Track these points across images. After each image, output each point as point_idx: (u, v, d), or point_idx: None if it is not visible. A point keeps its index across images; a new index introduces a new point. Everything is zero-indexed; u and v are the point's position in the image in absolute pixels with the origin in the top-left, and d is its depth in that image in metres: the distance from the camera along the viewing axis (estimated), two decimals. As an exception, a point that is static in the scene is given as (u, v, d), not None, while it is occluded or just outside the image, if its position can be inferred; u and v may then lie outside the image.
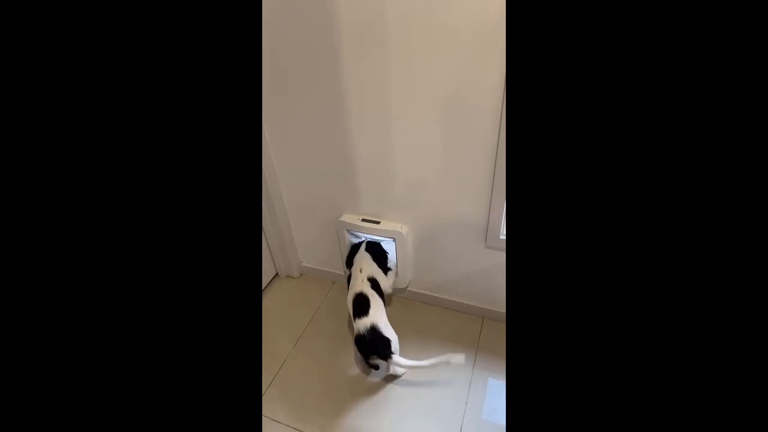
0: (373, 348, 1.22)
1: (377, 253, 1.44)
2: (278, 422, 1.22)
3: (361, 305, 1.28)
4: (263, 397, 1.30)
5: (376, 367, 1.32)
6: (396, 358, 1.22)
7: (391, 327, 1.27)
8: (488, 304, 1.47)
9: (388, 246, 1.46)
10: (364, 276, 1.34)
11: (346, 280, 1.44)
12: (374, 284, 1.35)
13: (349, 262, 1.44)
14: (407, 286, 1.56)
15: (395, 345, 1.23)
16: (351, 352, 1.42)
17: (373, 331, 1.22)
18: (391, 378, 1.32)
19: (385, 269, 1.45)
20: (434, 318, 1.52)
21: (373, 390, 1.30)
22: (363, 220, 1.42)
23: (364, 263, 1.38)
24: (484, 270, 1.38)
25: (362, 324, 1.23)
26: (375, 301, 1.29)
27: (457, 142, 1.13)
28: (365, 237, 1.47)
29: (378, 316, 1.26)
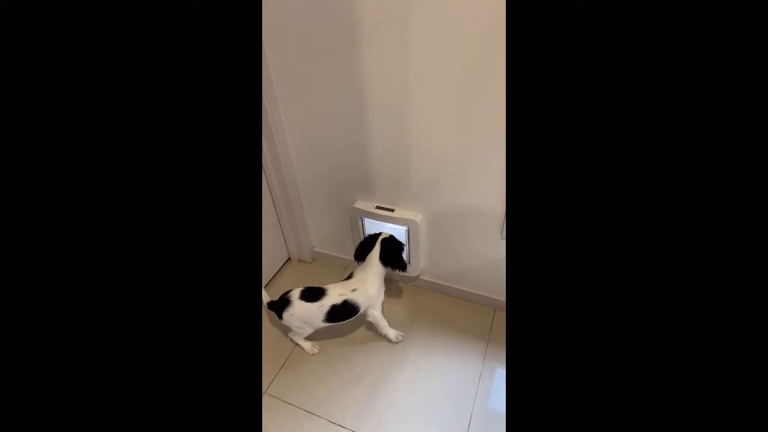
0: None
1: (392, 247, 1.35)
2: (288, 404, 1.24)
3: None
4: (274, 380, 1.32)
5: None
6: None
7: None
8: (501, 295, 1.46)
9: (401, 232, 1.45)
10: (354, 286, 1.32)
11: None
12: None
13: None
14: (419, 275, 1.56)
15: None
16: (361, 337, 1.43)
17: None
18: (404, 363, 1.33)
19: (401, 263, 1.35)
20: (445, 308, 1.52)
21: (384, 375, 1.31)
22: (377, 207, 1.41)
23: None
24: (498, 261, 1.37)
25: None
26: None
27: (475, 130, 1.11)
28: (382, 225, 1.45)
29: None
